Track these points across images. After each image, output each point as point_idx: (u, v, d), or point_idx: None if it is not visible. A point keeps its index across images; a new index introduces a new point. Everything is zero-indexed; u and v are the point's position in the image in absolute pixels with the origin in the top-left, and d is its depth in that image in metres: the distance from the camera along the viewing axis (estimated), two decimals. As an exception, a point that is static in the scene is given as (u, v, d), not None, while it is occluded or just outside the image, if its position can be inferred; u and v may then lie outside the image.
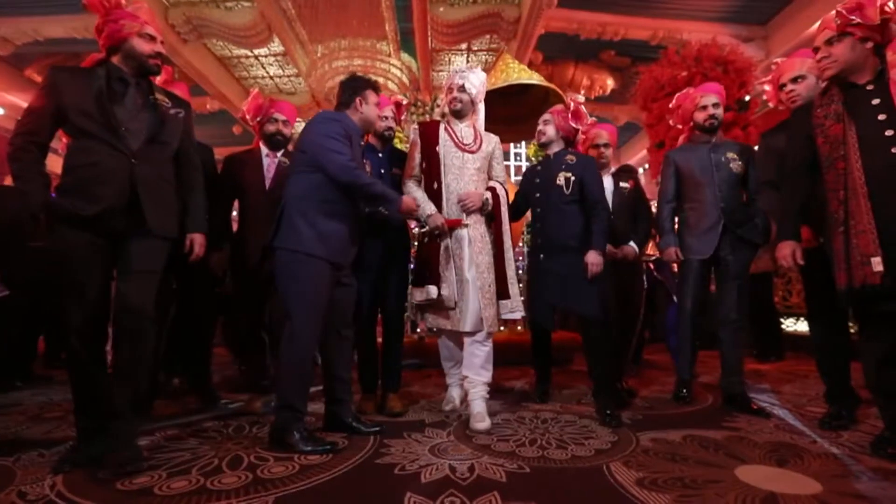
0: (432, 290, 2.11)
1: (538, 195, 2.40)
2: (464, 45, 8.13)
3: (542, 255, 2.34)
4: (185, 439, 1.90)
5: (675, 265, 2.66)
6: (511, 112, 3.45)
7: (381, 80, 8.63)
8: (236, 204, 2.54)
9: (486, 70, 3.48)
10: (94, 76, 1.61)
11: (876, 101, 1.68)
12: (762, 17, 5.90)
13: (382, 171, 2.40)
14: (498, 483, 1.43)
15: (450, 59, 8.36)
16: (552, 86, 3.26)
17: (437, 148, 2.27)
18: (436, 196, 2.24)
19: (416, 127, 2.37)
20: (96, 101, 1.58)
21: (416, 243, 2.83)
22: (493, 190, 2.28)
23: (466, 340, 2.16)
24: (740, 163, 2.36)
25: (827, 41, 1.74)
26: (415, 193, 2.22)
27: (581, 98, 2.44)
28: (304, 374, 1.85)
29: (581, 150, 2.65)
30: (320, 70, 7.87)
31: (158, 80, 1.88)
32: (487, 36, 7.64)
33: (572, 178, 2.29)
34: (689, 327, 2.41)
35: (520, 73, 3.21)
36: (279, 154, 2.48)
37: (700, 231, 2.35)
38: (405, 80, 8.71)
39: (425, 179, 2.30)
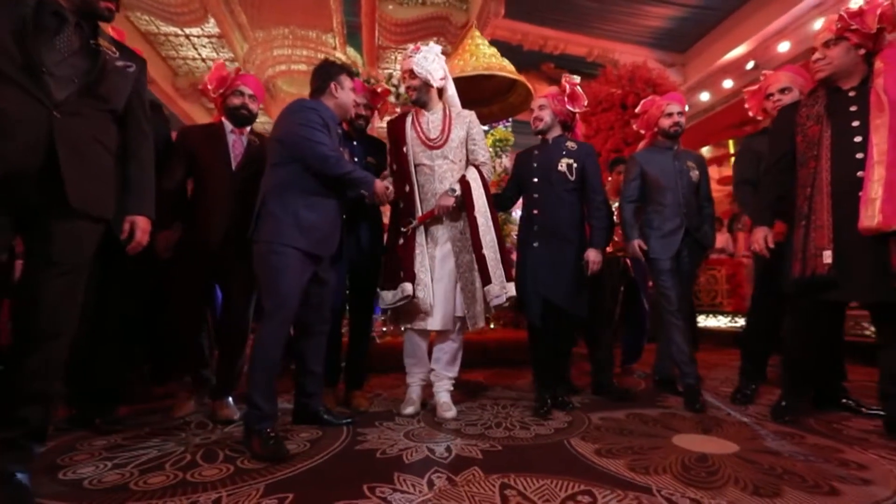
0: (407, 288, 2.05)
1: (536, 181, 2.30)
2: (410, 45, 8.16)
3: (536, 244, 2.24)
4: (147, 438, 1.83)
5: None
6: (473, 94, 3.23)
7: (324, 72, 8.49)
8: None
9: (451, 50, 3.40)
10: (20, 3, 1.27)
11: (853, 108, 1.77)
12: (682, 45, 6.62)
13: (356, 160, 2.31)
14: (476, 460, 1.56)
15: (396, 58, 8.37)
16: (521, 77, 3.17)
17: (404, 149, 2.21)
18: (408, 199, 2.17)
19: (387, 125, 2.33)
20: (14, 33, 1.24)
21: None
22: (461, 178, 2.18)
23: (437, 336, 2.22)
24: (697, 172, 2.49)
25: (824, 43, 1.81)
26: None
27: (577, 79, 2.33)
28: (272, 372, 1.77)
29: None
30: (260, 57, 7.55)
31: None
32: (435, 38, 7.79)
33: (574, 165, 2.23)
34: (680, 323, 2.35)
35: (489, 60, 3.10)
36: (246, 131, 2.27)
37: (664, 233, 2.41)
38: (350, 74, 8.61)
39: (396, 183, 2.20)
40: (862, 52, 1.77)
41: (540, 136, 2.40)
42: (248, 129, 2.30)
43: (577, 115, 2.38)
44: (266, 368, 1.74)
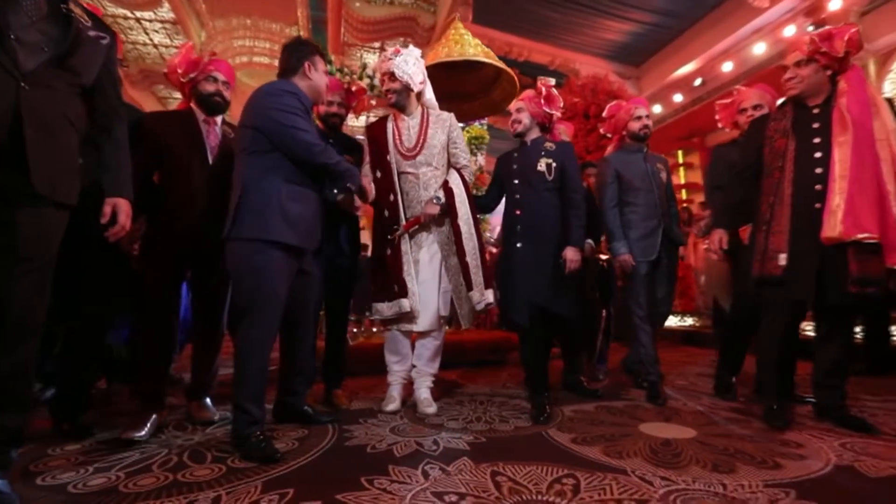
0: (405, 304, 2.09)
1: (517, 182, 2.33)
2: (377, 44, 8.15)
3: (519, 244, 2.26)
4: (125, 442, 1.77)
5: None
6: (455, 88, 3.25)
7: (287, 66, 8.30)
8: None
9: (433, 42, 3.33)
10: None
11: (816, 125, 1.88)
12: (638, 60, 7.01)
13: None
14: (464, 451, 1.64)
15: (361, 56, 8.32)
16: (506, 67, 3.12)
17: (387, 157, 2.20)
18: (393, 207, 2.18)
19: (365, 132, 2.33)
20: None
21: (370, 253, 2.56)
22: (444, 184, 2.21)
23: (420, 334, 2.26)
24: (665, 173, 2.59)
25: (796, 63, 1.93)
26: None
27: (552, 81, 2.37)
28: (263, 376, 1.70)
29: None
30: (220, 46, 7.28)
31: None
32: (402, 39, 7.80)
33: (553, 165, 2.26)
34: (648, 325, 2.47)
35: (476, 49, 3.05)
36: (218, 121, 2.12)
37: (642, 234, 2.46)
38: (313, 69, 8.47)
39: (380, 191, 2.17)
40: (829, 72, 1.89)
41: (519, 139, 2.43)
42: (220, 118, 2.15)
43: (554, 117, 2.42)
44: (256, 373, 1.68)
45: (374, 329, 3.77)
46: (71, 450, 1.70)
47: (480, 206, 2.50)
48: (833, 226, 1.75)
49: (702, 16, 6.15)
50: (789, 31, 5.51)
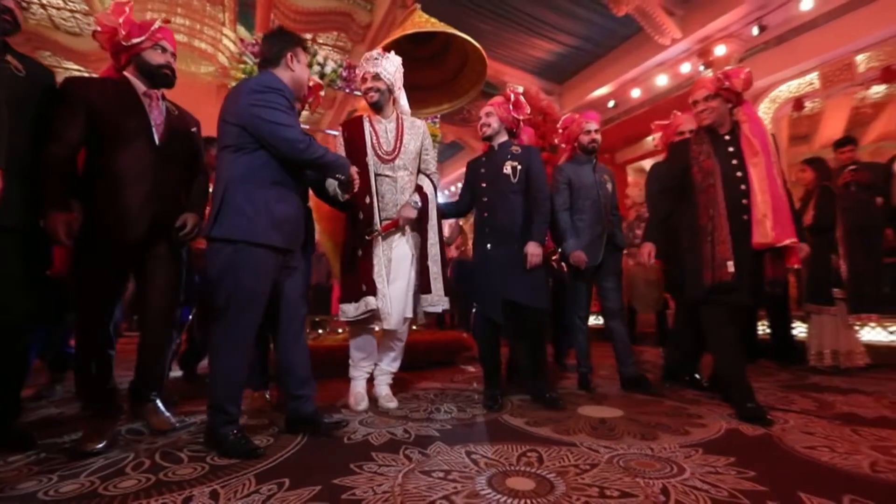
0: (371, 302, 2.11)
1: (484, 185, 2.44)
2: (309, 35, 7.94)
3: (489, 245, 2.37)
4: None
5: (564, 265, 2.88)
6: (417, 80, 3.24)
7: (208, 48, 7.74)
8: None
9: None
10: None
11: (731, 149, 2.19)
12: (560, 78, 7.63)
13: None
14: (435, 437, 1.81)
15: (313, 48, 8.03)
16: (476, 43, 3.13)
17: (366, 159, 2.22)
18: (368, 210, 2.19)
19: (340, 129, 2.34)
20: None
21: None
22: (419, 189, 2.29)
23: (386, 334, 2.34)
24: (611, 184, 2.82)
25: (705, 98, 2.22)
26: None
27: (520, 89, 2.52)
28: (239, 375, 1.70)
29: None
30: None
31: None
32: (336, 34, 7.68)
33: (518, 167, 2.38)
34: (585, 327, 2.75)
35: (445, 29, 3.08)
36: (159, 95, 1.95)
37: (588, 239, 2.68)
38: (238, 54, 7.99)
39: (356, 194, 2.12)
40: (730, 105, 2.24)
41: (488, 142, 2.55)
42: (161, 93, 1.97)
43: (522, 122, 2.55)
44: (233, 373, 1.68)
45: (340, 330, 3.79)
46: (16, 461, 1.59)
47: (456, 211, 2.65)
48: (764, 233, 2.03)
49: (616, 45, 6.89)
50: (685, 67, 6.40)
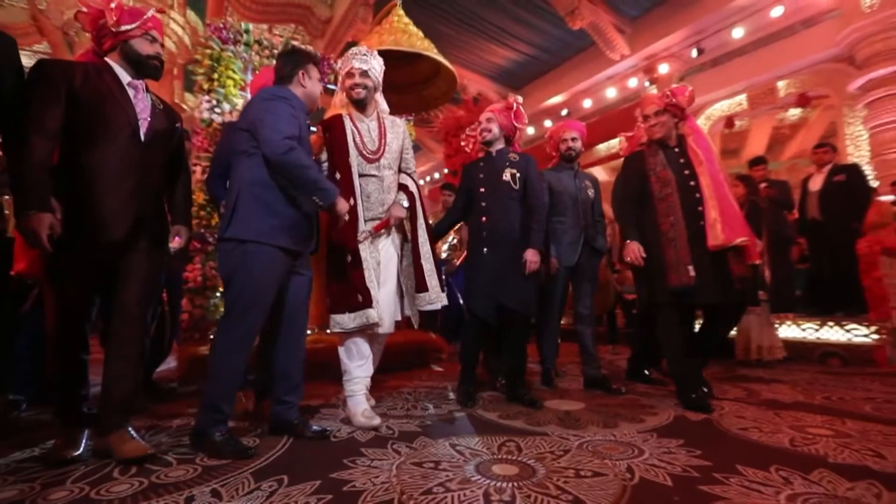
0: (372, 314, 2.02)
1: (483, 190, 2.47)
2: (265, 26, 7.70)
3: (486, 249, 2.42)
4: (49, 463, 1.62)
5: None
6: (388, 77, 3.10)
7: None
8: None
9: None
10: None
11: (682, 160, 2.36)
12: (517, 84, 7.92)
13: None
14: (418, 432, 1.92)
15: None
16: (449, 65, 3.16)
17: (349, 159, 2.15)
18: (351, 212, 2.05)
19: (319, 128, 2.27)
20: None
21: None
22: (405, 188, 2.26)
23: (371, 339, 2.23)
24: (592, 190, 2.91)
25: (655, 113, 2.39)
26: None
27: (520, 99, 2.61)
28: (238, 375, 1.72)
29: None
30: (69, 1, 6.13)
31: None
32: (294, 26, 7.50)
33: (518, 175, 2.45)
34: (555, 325, 2.90)
35: (423, 43, 3.05)
36: (143, 86, 1.83)
37: (566, 242, 2.79)
38: (187, 41, 7.63)
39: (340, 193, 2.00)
40: (676, 121, 2.44)
41: (485, 148, 2.60)
42: (145, 83, 1.85)
43: (519, 132, 2.61)
44: (233, 373, 1.71)
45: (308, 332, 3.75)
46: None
47: (448, 225, 2.72)
48: (716, 235, 2.21)
49: (570, 56, 7.27)
50: (632, 82, 6.86)
